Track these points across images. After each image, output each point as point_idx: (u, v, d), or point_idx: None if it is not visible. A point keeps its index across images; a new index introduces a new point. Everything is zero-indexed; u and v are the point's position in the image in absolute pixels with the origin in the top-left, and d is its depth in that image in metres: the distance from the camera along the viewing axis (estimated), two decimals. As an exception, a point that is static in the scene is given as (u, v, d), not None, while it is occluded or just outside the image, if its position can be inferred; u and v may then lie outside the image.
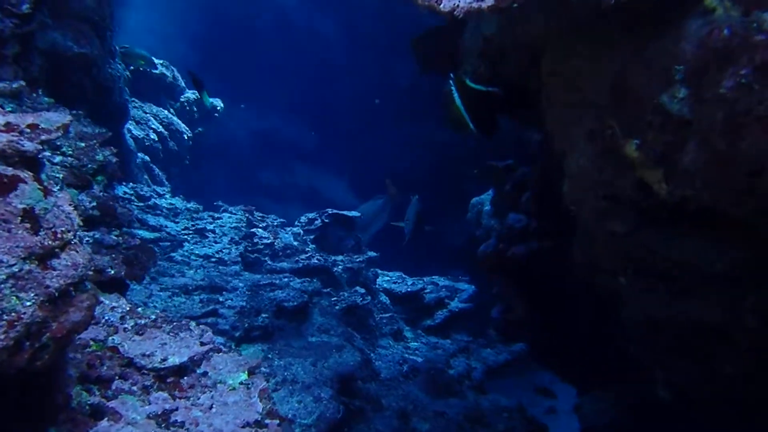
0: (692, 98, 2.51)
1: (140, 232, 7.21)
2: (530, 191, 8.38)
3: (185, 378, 2.93)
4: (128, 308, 3.28)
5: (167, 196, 8.92)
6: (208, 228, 8.36)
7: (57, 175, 3.77)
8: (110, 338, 2.96)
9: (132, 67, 10.16)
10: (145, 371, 2.84)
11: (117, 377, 2.76)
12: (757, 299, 2.96)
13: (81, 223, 2.48)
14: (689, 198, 2.71)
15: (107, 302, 3.29)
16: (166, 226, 7.90)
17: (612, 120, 2.80)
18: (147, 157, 9.72)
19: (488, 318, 9.13)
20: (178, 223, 8.24)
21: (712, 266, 2.96)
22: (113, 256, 3.75)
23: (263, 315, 6.21)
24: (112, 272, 3.65)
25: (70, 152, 4.03)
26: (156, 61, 10.69)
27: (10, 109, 3.97)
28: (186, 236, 7.94)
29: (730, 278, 2.96)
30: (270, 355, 5.76)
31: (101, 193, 3.96)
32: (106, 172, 4.18)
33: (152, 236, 7.40)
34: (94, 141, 4.21)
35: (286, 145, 17.89)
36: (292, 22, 17.90)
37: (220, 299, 6.35)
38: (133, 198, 8.21)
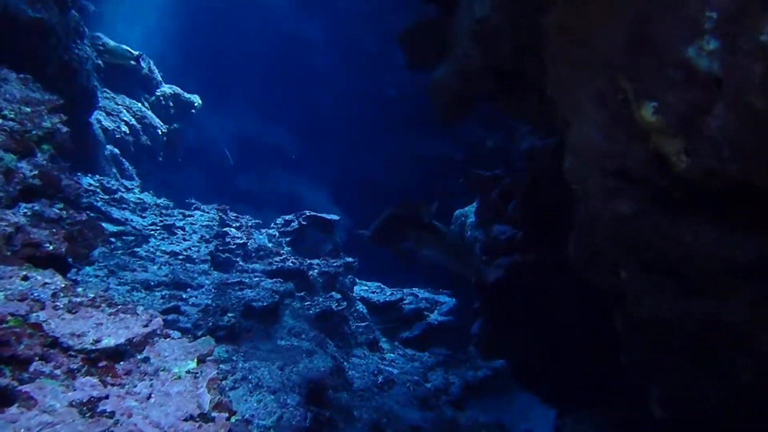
0: (725, 50, 2.15)
1: (101, 224, 6.70)
2: (517, 199, 8.07)
3: (121, 363, 2.50)
4: (63, 285, 2.84)
5: (136, 190, 8.42)
6: (178, 225, 7.86)
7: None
8: (34, 314, 2.52)
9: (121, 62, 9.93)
10: (73, 353, 2.41)
11: (37, 358, 2.32)
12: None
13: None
14: (713, 172, 2.34)
15: (39, 278, 2.85)
16: (132, 220, 7.39)
17: (626, 80, 2.43)
18: (117, 150, 9.22)
19: (469, 333, 8.73)
20: (145, 218, 7.74)
21: (734, 256, 2.59)
22: (53, 230, 3.31)
23: (230, 314, 5.74)
24: (51, 248, 3.21)
25: (12, 116, 3.59)
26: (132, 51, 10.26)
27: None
28: (153, 231, 7.43)
29: (755, 270, 2.59)
30: (234, 357, 5.30)
31: (45, 162, 3.53)
32: (54, 141, 3.73)
33: (115, 229, 6.91)
34: (42, 107, 3.77)
35: (267, 152, 17.45)
36: (279, 25, 17.55)
37: (184, 296, 5.89)
38: (98, 190, 7.70)
